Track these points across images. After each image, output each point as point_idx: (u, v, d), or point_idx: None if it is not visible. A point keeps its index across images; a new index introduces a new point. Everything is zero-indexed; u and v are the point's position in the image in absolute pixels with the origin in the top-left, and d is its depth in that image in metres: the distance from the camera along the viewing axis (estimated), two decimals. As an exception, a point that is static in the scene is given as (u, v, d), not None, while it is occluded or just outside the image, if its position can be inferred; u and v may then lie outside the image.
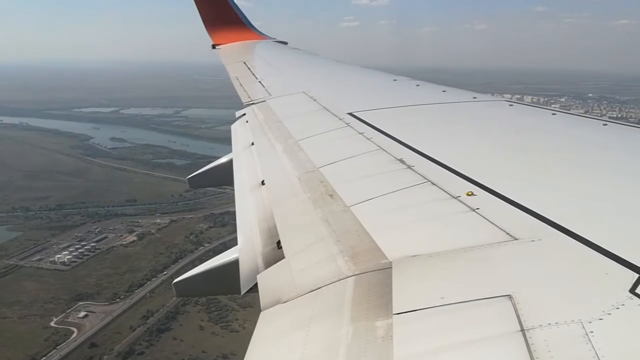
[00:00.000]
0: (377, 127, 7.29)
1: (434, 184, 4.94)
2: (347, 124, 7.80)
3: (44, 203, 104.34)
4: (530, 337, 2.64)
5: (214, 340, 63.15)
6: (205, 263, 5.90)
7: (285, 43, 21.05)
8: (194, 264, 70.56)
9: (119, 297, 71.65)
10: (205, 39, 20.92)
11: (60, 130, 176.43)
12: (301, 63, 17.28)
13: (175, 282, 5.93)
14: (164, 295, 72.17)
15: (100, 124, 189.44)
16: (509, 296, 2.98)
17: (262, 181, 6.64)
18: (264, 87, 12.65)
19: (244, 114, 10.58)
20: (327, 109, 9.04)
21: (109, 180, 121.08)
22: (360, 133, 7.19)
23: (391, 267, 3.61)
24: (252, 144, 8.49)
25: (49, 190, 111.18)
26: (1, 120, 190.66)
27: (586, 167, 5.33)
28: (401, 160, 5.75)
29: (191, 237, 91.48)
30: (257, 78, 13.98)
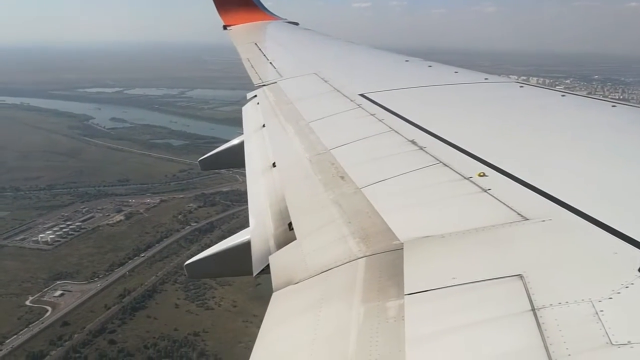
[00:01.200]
0: (389, 108, 7.27)
1: (445, 165, 4.93)
2: (358, 105, 7.78)
3: (35, 183, 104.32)
4: (541, 317, 2.64)
5: (188, 318, 62.72)
6: (216, 245, 6.00)
7: (297, 24, 21.00)
8: (178, 243, 70.35)
9: (97, 276, 71.33)
10: (217, 19, 20.96)
11: (61, 110, 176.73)
12: (312, 44, 17.31)
13: (186, 264, 6.03)
14: (143, 274, 72.23)
15: (102, 104, 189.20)
16: (520, 276, 2.99)
17: (274, 163, 6.66)
18: (275, 68, 12.71)
19: (255, 96, 10.60)
20: (338, 91, 9.04)
21: (103, 161, 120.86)
22: (371, 114, 7.16)
23: (402, 249, 3.60)
24: (263, 126, 8.52)
25: (41, 171, 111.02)
26: (3, 101, 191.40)
27: (596, 148, 5.32)
28: (413, 142, 5.74)
29: (179, 216, 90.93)
30: (268, 59, 13.97)
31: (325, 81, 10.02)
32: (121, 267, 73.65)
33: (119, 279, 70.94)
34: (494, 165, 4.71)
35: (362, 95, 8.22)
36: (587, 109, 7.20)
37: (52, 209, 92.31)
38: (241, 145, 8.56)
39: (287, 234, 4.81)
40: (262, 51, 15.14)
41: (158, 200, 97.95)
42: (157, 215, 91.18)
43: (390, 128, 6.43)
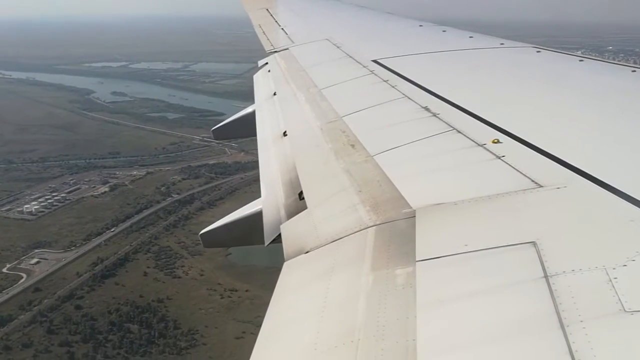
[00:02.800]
0: (402, 74, 7.19)
1: (459, 131, 4.89)
2: (371, 71, 7.70)
3: (28, 156, 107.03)
4: (553, 284, 2.65)
5: (155, 285, 65.12)
6: (230, 214, 6.01)
7: None
8: (157, 214, 72.35)
9: (75, 245, 73.93)
10: None
11: (64, 84, 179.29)
12: (325, 10, 17.18)
13: (201, 233, 6.10)
14: (119, 243, 74.80)
15: (106, 78, 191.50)
16: (533, 243, 3.01)
17: (285, 132, 6.69)
18: (287, 34, 12.65)
19: (266, 63, 10.56)
20: (351, 56, 8.97)
21: (97, 134, 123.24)
22: (384, 80, 7.10)
23: (412, 217, 3.64)
24: (275, 94, 8.49)
25: (36, 144, 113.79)
26: (10, 75, 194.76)
27: (613, 114, 5.24)
28: (426, 108, 5.68)
29: (162, 188, 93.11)
30: (280, 25, 13.95)
31: (338, 47, 9.90)
32: (98, 237, 76.13)
33: (94, 248, 73.53)
34: (508, 132, 4.66)
35: (375, 61, 8.14)
36: (606, 74, 7.04)
37: (41, 181, 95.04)
38: (254, 115, 8.50)
39: (297, 204, 4.83)
40: (273, 17, 15.15)
41: (144, 173, 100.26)
42: (141, 187, 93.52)
43: (404, 94, 6.34)
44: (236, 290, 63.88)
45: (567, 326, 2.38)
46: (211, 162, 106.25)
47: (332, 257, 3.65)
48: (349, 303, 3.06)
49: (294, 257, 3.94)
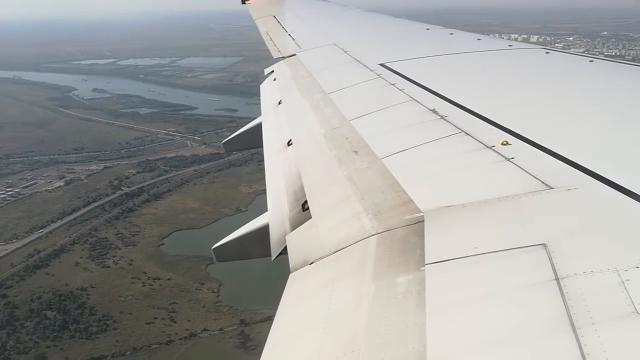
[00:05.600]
0: (409, 77, 7.23)
1: (468, 134, 4.91)
2: (378, 75, 7.75)
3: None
4: (564, 286, 2.64)
5: (83, 274, 68.02)
6: (240, 229, 6.09)
7: None
8: (103, 207, 75.10)
9: (16, 238, 77.13)
10: None
11: (48, 83, 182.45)
12: (331, 15, 17.41)
13: (213, 248, 6.17)
14: (59, 235, 77.62)
15: (91, 75, 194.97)
16: (544, 245, 2.98)
17: (289, 141, 6.68)
18: (294, 40, 12.69)
19: (272, 71, 10.64)
20: (358, 61, 9.01)
21: (67, 130, 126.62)
22: (391, 84, 7.13)
23: (414, 224, 3.69)
24: (280, 102, 8.53)
25: (6, 141, 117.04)
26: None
27: (623, 115, 5.25)
28: (434, 111, 5.71)
29: (115, 182, 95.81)
30: (287, 31, 13.97)
31: (345, 51, 9.92)
32: (42, 230, 79.28)
33: (34, 240, 76.62)
34: (517, 134, 4.64)
35: (382, 65, 8.16)
36: (616, 74, 7.02)
37: (0, 177, 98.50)
38: (261, 126, 8.47)
39: (301, 215, 4.82)
40: (280, 24, 15.18)
41: (102, 167, 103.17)
42: (95, 181, 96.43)
43: (411, 97, 6.34)
44: (159, 279, 66.70)
45: (579, 329, 2.38)
46: (169, 155, 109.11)
47: (335, 268, 3.69)
48: (350, 313, 3.12)
49: (299, 268, 3.99)
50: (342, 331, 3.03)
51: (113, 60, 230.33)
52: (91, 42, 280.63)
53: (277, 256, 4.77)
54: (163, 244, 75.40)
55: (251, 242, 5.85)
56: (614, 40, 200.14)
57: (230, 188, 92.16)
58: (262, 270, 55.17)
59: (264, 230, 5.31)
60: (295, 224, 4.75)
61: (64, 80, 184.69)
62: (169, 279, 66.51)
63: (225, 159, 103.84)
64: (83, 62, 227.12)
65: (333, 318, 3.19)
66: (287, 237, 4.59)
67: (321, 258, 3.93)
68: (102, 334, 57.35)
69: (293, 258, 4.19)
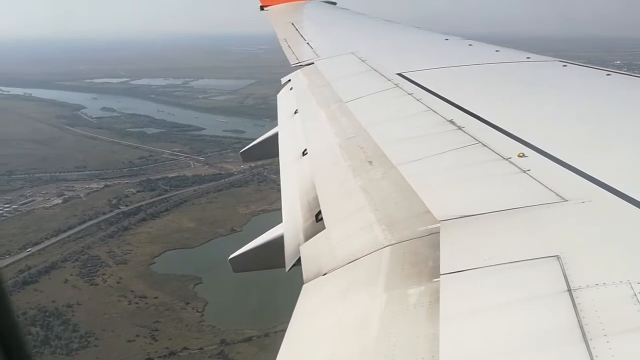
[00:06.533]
0: (427, 87, 7.23)
1: (484, 145, 4.93)
2: (396, 84, 7.76)
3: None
4: (577, 297, 2.64)
5: (71, 292, 68.18)
6: (255, 239, 6.17)
7: (334, 3, 21.23)
8: (98, 225, 75.28)
9: (9, 254, 77.49)
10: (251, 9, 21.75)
11: (58, 100, 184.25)
12: (350, 23, 17.41)
13: (230, 259, 6.23)
14: (51, 252, 77.95)
15: (102, 94, 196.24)
16: (557, 257, 2.99)
17: (304, 151, 6.69)
18: (312, 48, 12.72)
19: (289, 80, 10.73)
20: (375, 70, 9.02)
21: (71, 148, 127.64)
22: (409, 94, 7.14)
23: (426, 235, 3.72)
24: (296, 112, 8.54)
25: (10, 158, 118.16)
26: (8, 92, 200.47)
27: (639, 128, 5.27)
28: (451, 121, 5.72)
29: (113, 200, 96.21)
30: (305, 39, 14.04)
31: (363, 60, 9.93)
32: (35, 246, 79.66)
33: (27, 256, 77.02)
34: (534, 146, 4.65)
35: (399, 74, 8.15)
36: (633, 88, 7.03)
37: (0, 194, 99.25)
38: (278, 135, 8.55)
39: (315, 226, 4.84)
40: (298, 31, 15.21)
41: (102, 185, 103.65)
42: (94, 200, 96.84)
43: (428, 108, 6.33)
44: (145, 297, 66.62)
45: (591, 340, 2.38)
46: (171, 175, 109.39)
47: (348, 279, 3.71)
48: (362, 324, 3.13)
49: (312, 278, 4.02)
50: (354, 342, 3.06)
51: (126, 79, 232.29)
52: (107, 61, 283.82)
53: (292, 267, 4.74)
54: (154, 263, 75.36)
55: (266, 253, 5.88)
56: (625, 68, 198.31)
57: (228, 208, 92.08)
58: (250, 290, 56.23)
59: (279, 241, 5.33)
60: (309, 235, 4.76)
61: (74, 99, 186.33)
62: (155, 298, 66.39)
63: (227, 179, 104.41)
64: (96, 80, 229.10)
65: (344, 330, 3.22)
66: (300, 248, 4.62)
67: (334, 269, 3.94)
68: (82, 350, 57.34)
69: (306, 269, 4.23)
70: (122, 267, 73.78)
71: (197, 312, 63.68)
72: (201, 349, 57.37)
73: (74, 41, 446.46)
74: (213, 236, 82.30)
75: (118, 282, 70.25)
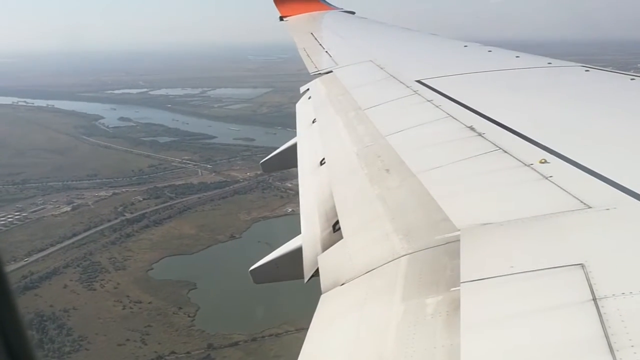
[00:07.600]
0: (446, 94, 7.18)
1: (505, 151, 4.86)
2: (415, 91, 7.73)
3: (12, 178, 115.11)
4: (602, 307, 2.59)
5: (69, 296, 70.38)
6: (275, 251, 6.15)
7: (353, 13, 21.63)
8: (102, 232, 77.73)
9: (14, 260, 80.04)
10: (271, 19, 22.06)
11: (77, 111, 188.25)
12: (368, 32, 17.61)
13: (250, 270, 6.22)
14: (54, 258, 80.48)
15: (121, 104, 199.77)
16: (581, 265, 2.94)
17: (322, 160, 6.69)
18: (330, 57, 12.81)
19: (308, 89, 10.77)
20: (394, 77, 8.98)
21: (85, 157, 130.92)
22: (428, 100, 7.11)
23: (444, 244, 3.70)
24: (314, 121, 8.56)
25: (26, 167, 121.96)
26: (32, 103, 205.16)
27: None
28: (471, 128, 5.66)
29: (120, 208, 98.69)
30: (324, 48, 14.17)
31: (382, 68, 9.91)
32: (40, 252, 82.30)
33: (32, 262, 79.63)
34: (556, 152, 4.57)
35: (418, 81, 8.12)
36: None
37: (13, 201, 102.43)
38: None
39: (332, 237, 4.83)
40: (317, 40, 15.35)
41: (111, 193, 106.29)
42: (101, 207, 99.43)
43: (448, 114, 6.27)
44: (140, 302, 68.54)
45: (617, 351, 2.32)
46: (178, 182, 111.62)
47: (365, 289, 3.69)
48: (379, 334, 3.11)
49: (330, 288, 4.01)
50: (371, 352, 3.06)
51: (145, 90, 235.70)
52: (129, 72, 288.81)
53: (310, 277, 4.70)
54: (152, 269, 77.31)
55: (285, 264, 5.87)
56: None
57: (230, 215, 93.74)
58: (243, 296, 57.59)
59: (298, 252, 5.31)
60: (327, 245, 4.76)
61: (93, 109, 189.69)
62: (149, 303, 68.24)
63: (231, 186, 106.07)
64: (116, 91, 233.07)
65: (362, 340, 3.22)
66: (318, 258, 4.62)
67: (352, 279, 3.94)
68: (74, 353, 59.44)
69: (324, 279, 4.21)
70: (121, 273, 75.92)
71: (189, 317, 65.29)
72: (188, 353, 58.85)
73: (97, 53, 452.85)
74: (212, 242, 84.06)
75: (115, 288, 72.29)
